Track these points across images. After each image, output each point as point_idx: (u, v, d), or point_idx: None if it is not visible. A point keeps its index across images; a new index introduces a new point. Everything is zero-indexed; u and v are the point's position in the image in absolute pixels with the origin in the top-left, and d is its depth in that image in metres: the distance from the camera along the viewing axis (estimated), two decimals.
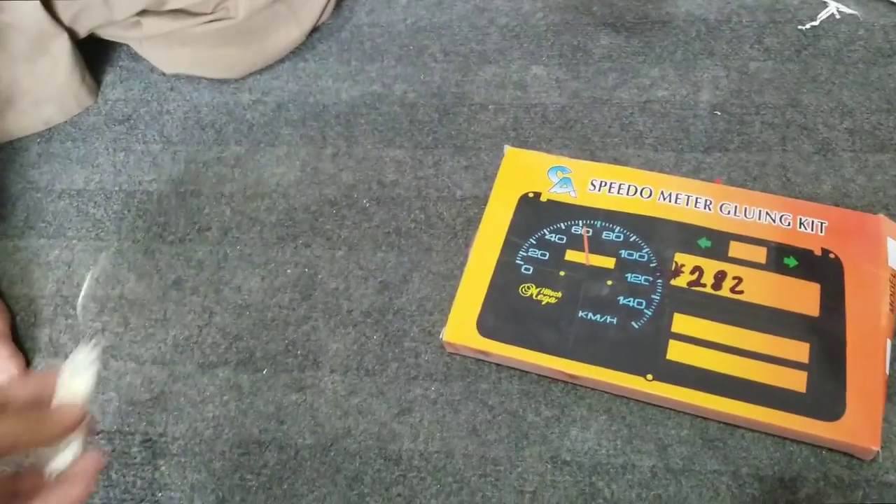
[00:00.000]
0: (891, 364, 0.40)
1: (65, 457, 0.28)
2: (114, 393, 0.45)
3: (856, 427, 0.37)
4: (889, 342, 0.39)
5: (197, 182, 0.55)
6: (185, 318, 0.48)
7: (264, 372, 0.45)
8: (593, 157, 0.52)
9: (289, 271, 0.49)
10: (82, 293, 0.28)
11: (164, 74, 0.62)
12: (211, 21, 0.60)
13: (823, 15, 0.58)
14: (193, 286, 0.49)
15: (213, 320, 0.47)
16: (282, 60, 0.61)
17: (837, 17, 0.57)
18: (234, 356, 0.46)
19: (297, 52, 0.62)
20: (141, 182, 0.56)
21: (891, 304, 0.40)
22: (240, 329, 0.47)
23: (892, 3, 0.57)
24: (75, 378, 0.29)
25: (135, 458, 0.43)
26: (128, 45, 0.63)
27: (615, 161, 0.51)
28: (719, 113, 0.53)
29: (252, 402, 0.44)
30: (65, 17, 0.58)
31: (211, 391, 0.45)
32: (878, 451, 0.37)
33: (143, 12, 0.59)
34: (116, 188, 0.55)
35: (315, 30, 0.63)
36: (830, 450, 0.39)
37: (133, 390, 0.45)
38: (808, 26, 0.57)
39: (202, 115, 0.59)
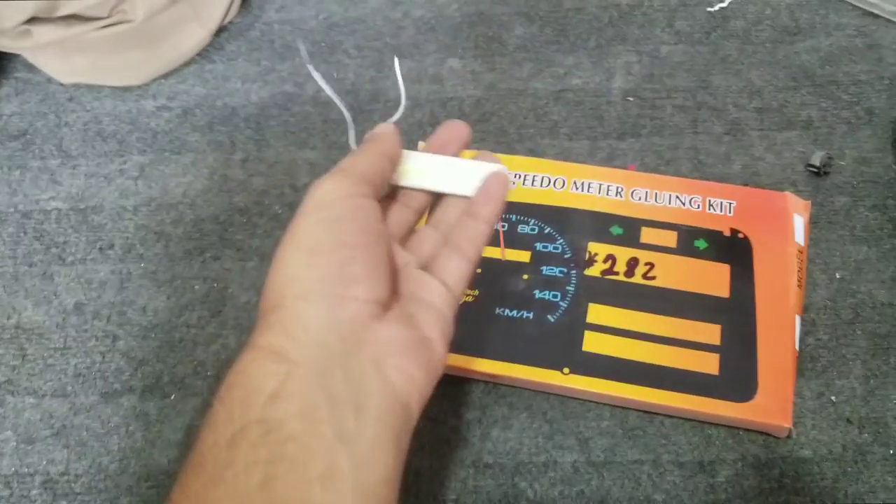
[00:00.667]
0: (800, 340, 0.40)
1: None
2: (10, 432, 0.42)
3: (768, 406, 0.37)
4: (798, 318, 0.40)
5: (98, 197, 0.52)
6: (86, 345, 0.45)
7: (172, 397, 0.43)
8: (510, 150, 0.51)
9: (196, 287, 0.47)
10: None
11: (62, 85, 0.58)
12: (108, 25, 0.57)
13: None
14: (95, 310, 0.46)
15: (117, 345, 0.45)
16: (188, 63, 0.59)
17: None
18: (140, 382, 0.43)
19: (204, 53, 0.59)
20: (38, 201, 0.52)
21: (798, 280, 0.41)
22: (145, 353, 0.44)
23: None
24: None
25: (35, 501, 0.40)
26: (23, 56, 0.59)
27: (531, 152, 0.51)
28: (632, 99, 0.53)
29: (160, 430, 0.41)
30: None
31: (115, 422, 0.42)
32: (790, 429, 0.37)
33: (32, 20, 0.55)
34: (11, 209, 0.52)
35: (223, 29, 0.60)
36: (747, 430, 0.39)
37: (32, 427, 0.42)
38: (717, 8, 0.58)
39: (103, 126, 0.56)
